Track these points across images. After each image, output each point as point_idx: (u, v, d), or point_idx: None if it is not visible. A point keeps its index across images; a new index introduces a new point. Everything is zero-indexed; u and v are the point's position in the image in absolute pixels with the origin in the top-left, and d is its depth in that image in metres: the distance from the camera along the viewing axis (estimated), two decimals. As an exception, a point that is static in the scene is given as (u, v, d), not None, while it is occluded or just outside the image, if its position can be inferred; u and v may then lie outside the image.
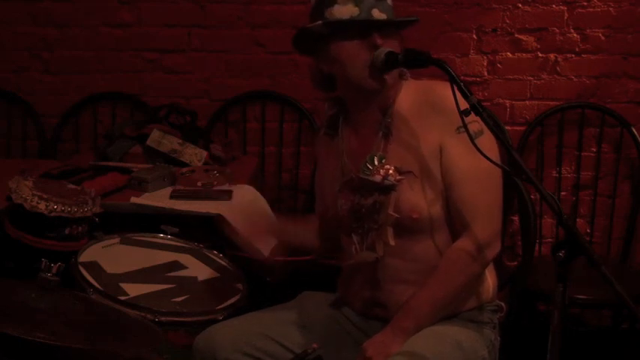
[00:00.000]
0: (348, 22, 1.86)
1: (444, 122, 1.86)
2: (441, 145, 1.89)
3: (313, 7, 1.93)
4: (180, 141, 3.21)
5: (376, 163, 1.93)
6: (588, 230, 3.59)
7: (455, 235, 1.94)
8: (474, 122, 1.76)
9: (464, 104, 1.72)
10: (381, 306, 2.00)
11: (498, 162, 1.83)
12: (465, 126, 1.74)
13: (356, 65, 1.88)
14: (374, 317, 2.03)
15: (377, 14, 1.86)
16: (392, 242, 1.91)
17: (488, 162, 1.76)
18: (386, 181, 1.90)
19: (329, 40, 1.91)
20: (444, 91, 1.79)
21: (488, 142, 1.80)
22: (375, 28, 1.85)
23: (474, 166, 1.85)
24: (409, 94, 1.95)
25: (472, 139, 1.74)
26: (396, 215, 1.89)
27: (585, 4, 3.50)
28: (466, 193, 1.89)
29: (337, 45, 1.90)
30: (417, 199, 1.90)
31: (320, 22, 1.89)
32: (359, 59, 1.87)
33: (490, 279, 2.03)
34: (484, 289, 2.02)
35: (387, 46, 1.85)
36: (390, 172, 1.90)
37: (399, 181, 1.89)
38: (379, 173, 1.91)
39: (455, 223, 1.93)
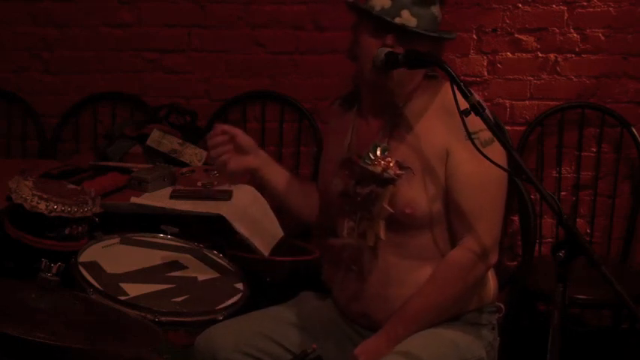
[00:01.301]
0: (366, 13, 1.88)
1: (455, 127, 1.84)
2: (448, 148, 1.89)
3: None
4: (180, 141, 3.21)
5: (378, 153, 1.92)
6: (588, 230, 3.59)
7: (453, 238, 1.94)
8: (485, 130, 1.76)
9: (466, 105, 1.73)
10: (365, 315, 2.00)
11: (506, 169, 1.83)
12: (465, 128, 1.74)
13: (365, 56, 1.91)
14: (359, 324, 2.03)
15: (405, 16, 1.86)
16: (382, 236, 1.91)
17: (494, 170, 1.77)
18: (385, 174, 1.89)
19: (359, 21, 1.93)
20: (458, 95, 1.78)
21: (497, 150, 1.79)
22: (393, 30, 1.86)
23: (480, 172, 1.85)
24: (432, 95, 1.95)
25: (473, 141, 1.74)
26: (391, 210, 1.89)
27: (585, 4, 3.50)
28: (470, 198, 1.89)
29: (362, 30, 1.92)
30: (414, 195, 1.90)
31: (352, 1, 1.92)
32: (369, 53, 1.89)
33: (492, 281, 2.04)
34: (485, 292, 2.02)
35: (398, 51, 1.85)
36: (391, 165, 1.90)
37: (398, 175, 1.89)
38: (380, 164, 1.91)
39: (455, 226, 1.93)
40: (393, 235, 1.92)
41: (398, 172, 1.89)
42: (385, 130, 1.97)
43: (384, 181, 1.90)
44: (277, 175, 2.17)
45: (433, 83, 1.98)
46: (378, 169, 1.91)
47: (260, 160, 2.14)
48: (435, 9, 1.90)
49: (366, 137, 1.99)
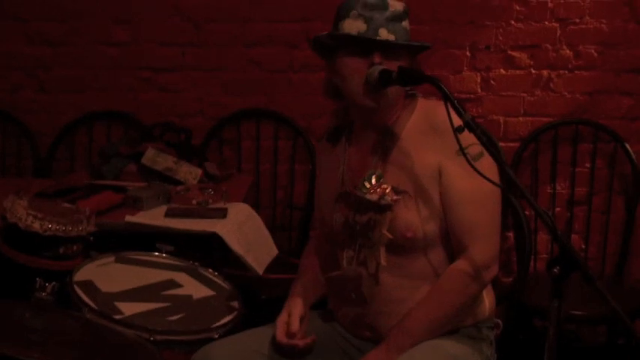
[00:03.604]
0: (350, 37, 1.88)
1: (444, 145, 1.86)
2: (440, 167, 1.89)
3: (334, 16, 1.94)
4: (174, 159, 3.21)
5: (374, 181, 1.93)
6: (583, 246, 3.59)
7: (452, 256, 1.94)
8: (474, 145, 1.77)
9: (459, 122, 1.73)
10: (370, 328, 2.00)
11: (498, 184, 1.84)
12: (459, 143, 1.74)
13: (354, 81, 1.89)
14: (363, 338, 2.03)
15: (384, 34, 1.86)
16: (384, 262, 1.92)
17: (487, 185, 1.77)
18: (382, 201, 1.90)
19: (335, 52, 1.93)
20: (446, 113, 1.77)
21: (488, 164, 1.79)
22: (378, 48, 1.87)
23: (473, 188, 1.86)
24: (413, 114, 1.96)
25: (466, 156, 1.75)
26: (390, 236, 1.90)
27: (578, 20, 3.52)
28: (465, 215, 1.89)
29: (341, 58, 1.92)
30: (412, 219, 1.90)
31: (326, 33, 1.92)
32: (357, 76, 1.88)
33: (487, 297, 2.03)
34: (481, 307, 2.02)
35: (387, 67, 1.86)
36: (387, 191, 1.90)
37: (395, 201, 1.89)
38: (376, 192, 1.91)
39: (453, 244, 1.93)
40: (393, 259, 1.93)
41: (395, 197, 1.90)
42: (378, 153, 1.97)
43: (381, 208, 1.91)
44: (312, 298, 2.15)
45: (412, 101, 1.98)
46: (375, 197, 1.91)
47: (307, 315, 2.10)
48: (406, 23, 1.92)
49: (358, 166, 2.00)
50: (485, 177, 1.74)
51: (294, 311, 2.04)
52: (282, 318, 2.03)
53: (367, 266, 1.95)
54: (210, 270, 2.47)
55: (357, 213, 1.95)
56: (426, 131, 1.92)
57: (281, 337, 1.99)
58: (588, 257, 3.59)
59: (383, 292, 1.96)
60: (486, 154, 1.77)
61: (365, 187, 1.93)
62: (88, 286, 2.21)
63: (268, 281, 2.90)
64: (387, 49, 1.87)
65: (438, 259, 1.94)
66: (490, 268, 1.91)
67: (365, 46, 1.87)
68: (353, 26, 1.88)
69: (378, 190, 1.91)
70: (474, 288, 1.92)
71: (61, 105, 3.74)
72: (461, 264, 1.90)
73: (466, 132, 1.72)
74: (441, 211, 1.90)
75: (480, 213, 1.90)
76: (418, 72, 1.85)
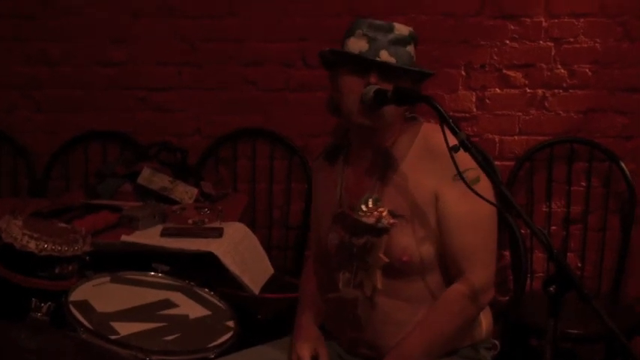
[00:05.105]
0: (348, 55, 1.89)
1: (440, 170, 1.87)
2: (436, 192, 1.89)
3: (344, 33, 1.96)
4: (170, 179, 3.22)
5: (371, 204, 1.93)
6: (579, 264, 3.59)
7: (449, 279, 1.94)
8: (471, 170, 1.77)
9: (454, 141, 1.73)
10: (369, 347, 2.00)
11: (494, 208, 1.84)
12: (456, 167, 1.74)
13: (350, 99, 1.90)
14: (361, 356, 2.03)
15: (384, 56, 1.88)
16: (379, 285, 1.92)
17: (484, 209, 1.78)
18: (379, 224, 1.90)
19: (336, 68, 1.95)
20: (443, 137, 1.78)
21: (484, 189, 1.79)
22: (375, 69, 1.87)
23: (470, 213, 1.87)
24: (412, 137, 1.96)
25: (464, 180, 1.75)
26: (386, 260, 1.90)
27: (572, 40, 3.54)
28: (462, 240, 1.90)
29: (341, 75, 1.93)
30: (408, 243, 1.90)
31: (329, 49, 1.94)
32: (353, 94, 1.89)
33: (484, 319, 2.03)
34: (478, 328, 2.02)
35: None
36: (384, 214, 1.90)
37: (392, 224, 1.90)
38: (373, 215, 1.91)
39: (450, 268, 1.93)
40: (390, 282, 1.93)
41: (391, 221, 1.90)
42: (375, 176, 1.97)
43: (378, 231, 1.91)
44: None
45: (413, 125, 1.99)
46: (372, 220, 1.91)
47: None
48: (410, 48, 1.93)
49: (355, 187, 2.00)
50: (485, 199, 1.74)
51: (322, 351, 2.04)
52: (306, 352, 2.02)
53: (363, 289, 1.95)
54: (206, 289, 2.46)
55: (354, 235, 1.95)
56: (424, 155, 1.93)
57: None
58: (584, 276, 3.59)
59: (380, 314, 1.96)
60: (483, 178, 1.78)
61: (362, 209, 1.93)
62: (84, 306, 2.20)
63: (264, 301, 2.89)
64: (385, 71, 1.88)
65: (435, 282, 1.94)
66: (487, 292, 1.92)
67: (363, 65, 1.88)
68: (356, 45, 1.89)
69: (375, 213, 1.91)
70: (471, 311, 1.92)
71: (57, 125, 3.74)
72: (458, 287, 1.91)
73: (463, 156, 1.72)
74: (438, 235, 1.91)
75: (477, 238, 1.90)
76: (413, 91, 1.86)
